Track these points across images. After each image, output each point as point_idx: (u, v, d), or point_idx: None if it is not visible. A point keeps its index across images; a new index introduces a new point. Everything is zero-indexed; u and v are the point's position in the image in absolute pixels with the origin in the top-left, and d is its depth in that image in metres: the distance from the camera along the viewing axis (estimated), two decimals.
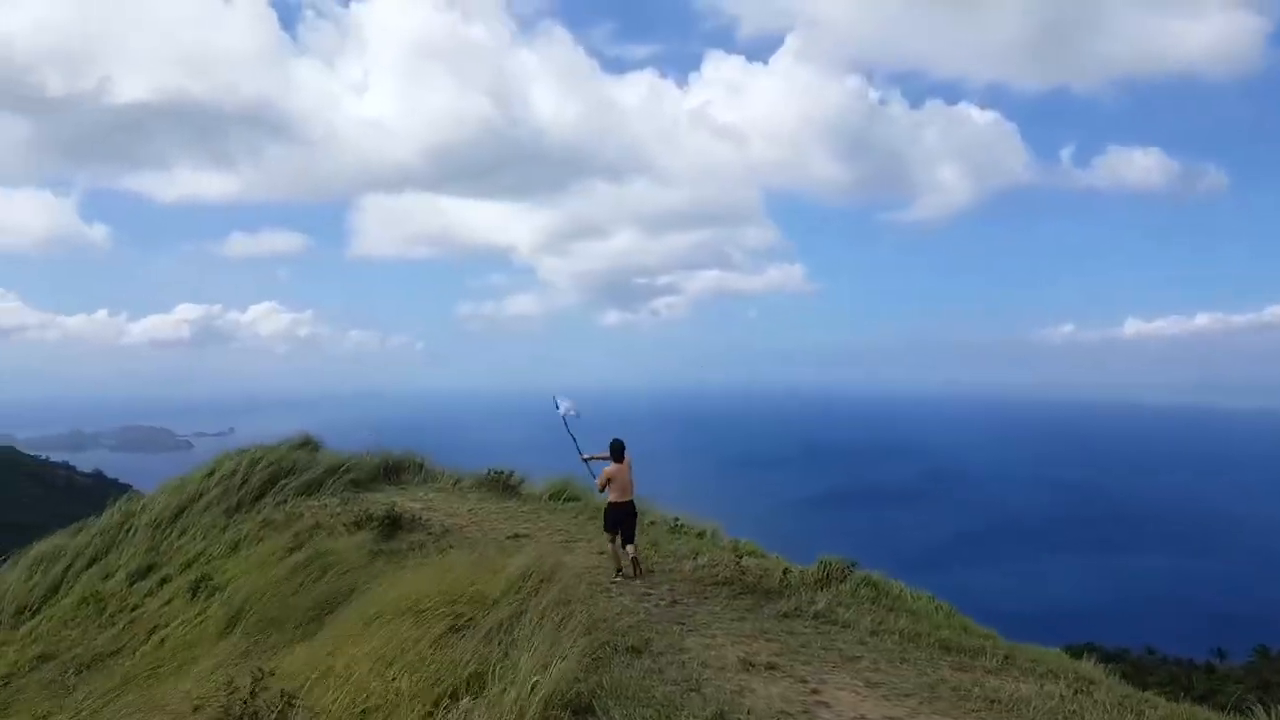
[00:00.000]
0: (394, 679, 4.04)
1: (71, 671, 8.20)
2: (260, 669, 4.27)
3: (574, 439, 8.83)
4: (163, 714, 4.73)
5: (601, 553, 8.49)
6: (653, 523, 10.62)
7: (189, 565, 10.45)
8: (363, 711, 3.93)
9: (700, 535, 10.17)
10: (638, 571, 8.27)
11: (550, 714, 3.82)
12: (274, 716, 3.93)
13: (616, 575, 8.26)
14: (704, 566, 7.56)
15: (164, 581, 10.21)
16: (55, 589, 11.32)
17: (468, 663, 4.11)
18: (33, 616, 10.63)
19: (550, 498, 11.98)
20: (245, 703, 4.02)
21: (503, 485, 12.44)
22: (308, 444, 14.57)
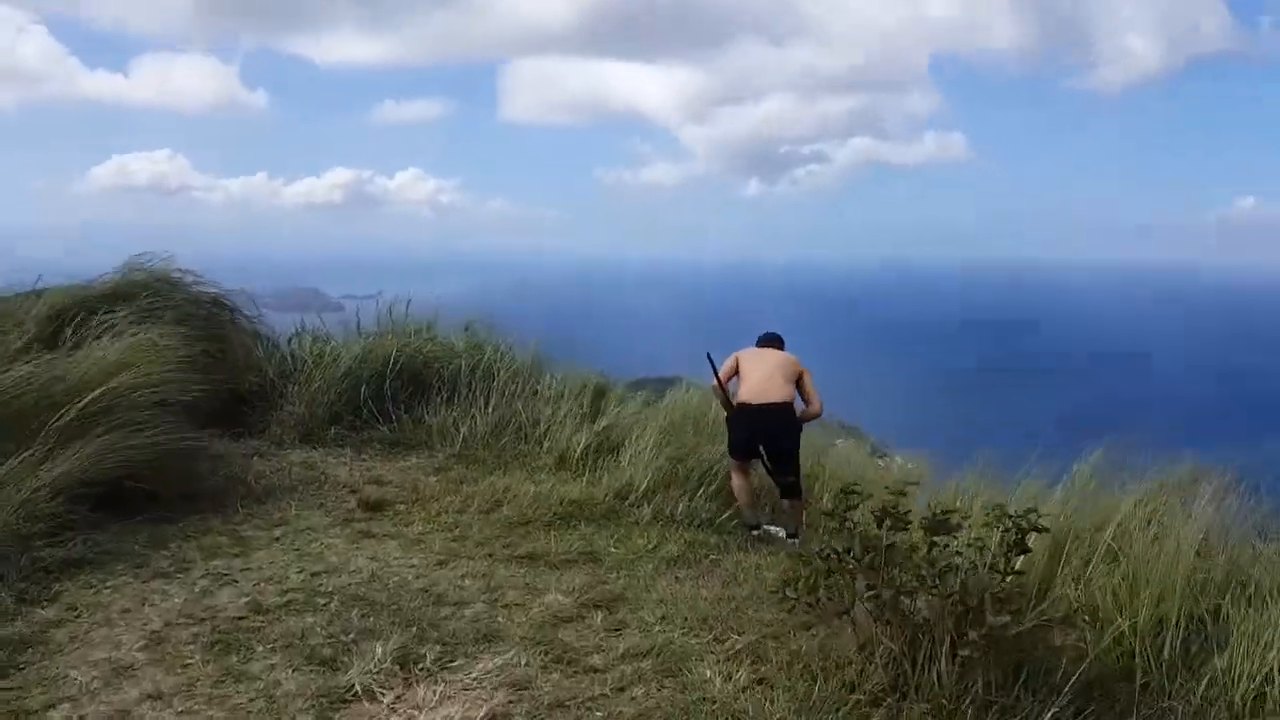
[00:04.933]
0: None
1: None
2: None
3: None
4: None
5: None
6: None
7: None
8: None
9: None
10: (797, 529, 6.03)
11: None
12: None
13: (752, 530, 6.10)
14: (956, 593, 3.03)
15: None
16: None
17: None
18: None
19: (571, 463, 7.27)
20: None
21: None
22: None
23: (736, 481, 6.32)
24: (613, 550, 5.33)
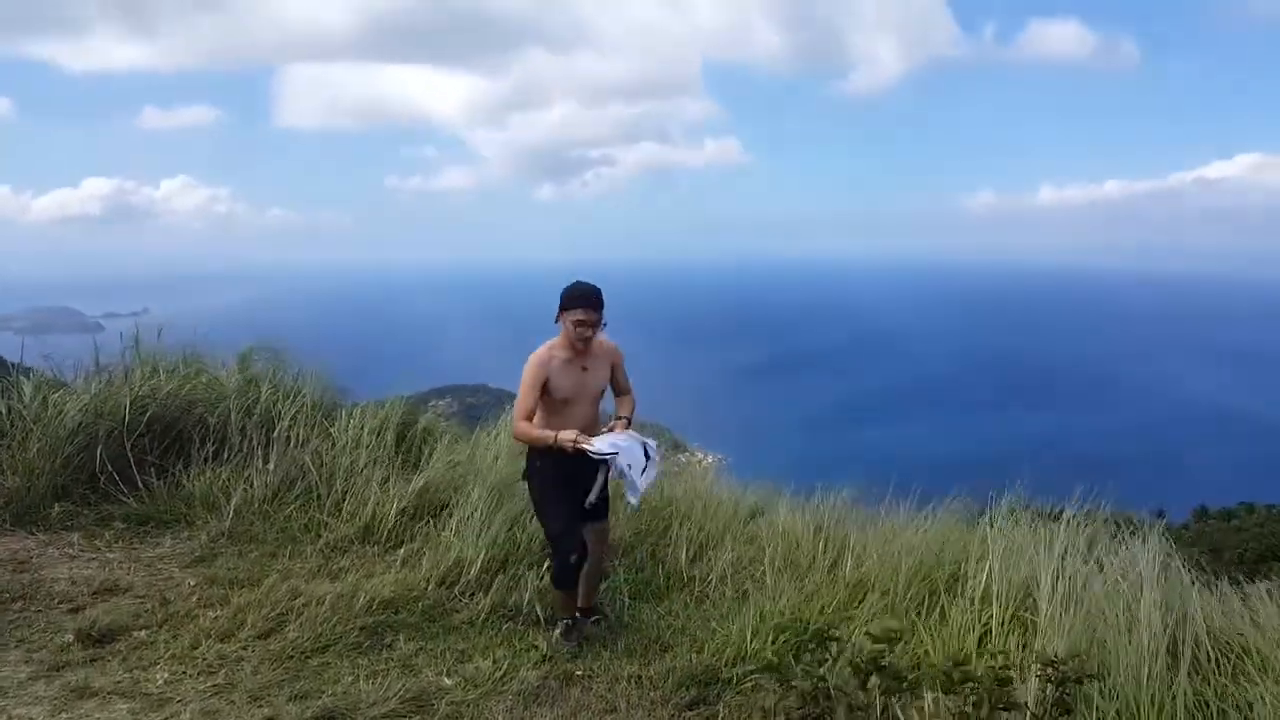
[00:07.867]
0: None
1: None
2: None
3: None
4: None
5: None
6: None
7: None
8: None
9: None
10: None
11: None
12: None
13: (559, 630, 4.45)
14: None
15: None
16: None
17: None
18: None
19: (380, 534, 5.92)
20: None
21: None
22: None
23: None
24: (446, 684, 3.96)
